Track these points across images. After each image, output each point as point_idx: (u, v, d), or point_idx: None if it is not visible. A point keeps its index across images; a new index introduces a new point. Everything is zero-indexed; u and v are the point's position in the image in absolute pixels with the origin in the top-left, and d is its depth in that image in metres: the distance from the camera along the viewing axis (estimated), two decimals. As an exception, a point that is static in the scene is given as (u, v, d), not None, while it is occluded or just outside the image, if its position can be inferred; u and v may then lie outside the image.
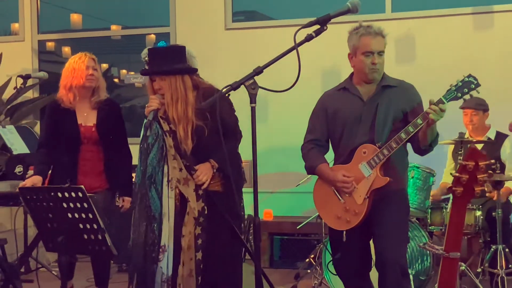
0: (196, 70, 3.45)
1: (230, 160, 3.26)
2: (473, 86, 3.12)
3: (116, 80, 8.46)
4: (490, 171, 1.92)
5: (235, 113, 3.47)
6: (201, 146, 3.29)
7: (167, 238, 3.29)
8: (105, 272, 4.36)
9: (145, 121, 3.27)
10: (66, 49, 7.79)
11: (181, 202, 3.33)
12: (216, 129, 3.16)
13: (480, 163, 1.92)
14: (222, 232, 3.30)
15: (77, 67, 4.14)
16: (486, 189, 1.94)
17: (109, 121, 4.21)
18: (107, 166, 4.19)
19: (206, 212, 3.29)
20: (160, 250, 3.28)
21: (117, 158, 4.21)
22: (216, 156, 3.31)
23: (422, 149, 3.27)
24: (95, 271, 4.32)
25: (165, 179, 3.29)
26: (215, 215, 3.29)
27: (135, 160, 5.43)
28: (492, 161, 1.89)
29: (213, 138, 3.21)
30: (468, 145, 4.31)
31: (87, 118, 4.19)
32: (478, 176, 1.94)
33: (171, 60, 3.30)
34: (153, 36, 7.41)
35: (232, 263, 3.36)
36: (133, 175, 5.67)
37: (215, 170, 3.35)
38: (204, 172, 3.28)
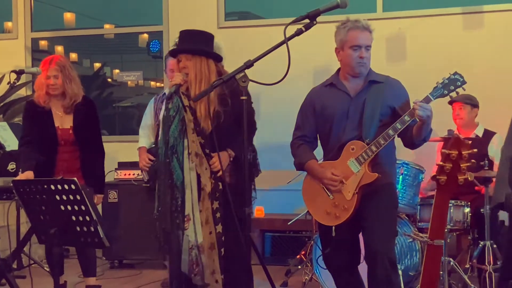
0: (221, 58, 3.54)
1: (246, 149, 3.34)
2: (459, 84, 3.17)
3: (109, 79, 8.48)
4: (473, 160, 1.97)
5: (252, 105, 3.55)
6: (218, 131, 3.34)
7: (191, 208, 3.36)
8: (91, 261, 4.45)
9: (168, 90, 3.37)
10: (59, 48, 7.82)
11: (198, 178, 3.40)
12: (234, 117, 3.32)
13: (463, 152, 1.96)
14: (231, 222, 3.28)
15: (39, 75, 4.27)
16: (469, 178, 1.98)
17: (86, 122, 4.34)
18: (83, 164, 4.32)
19: (220, 187, 3.36)
20: (185, 219, 3.35)
21: (92, 156, 4.35)
22: (233, 145, 3.41)
23: (416, 144, 3.31)
24: (81, 261, 4.38)
25: (185, 152, 3.37)
26: (227, 205, 3.32)
27: (132, 157, 5.50)
28: (475, 150, 1.93)
29: (231, 126, 3.34)
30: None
31: (63, 120, 4.31)
32: (461, 165, 1.99)
33: (198, 42, 3.43)
34: (146, 35, 7.44)
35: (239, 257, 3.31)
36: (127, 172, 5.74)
37: (231, 159, 3.43)
38: (222, 159, 3.32)
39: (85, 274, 4.46)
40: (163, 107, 3.48)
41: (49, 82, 4.23)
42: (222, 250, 3.33)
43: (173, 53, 3.57)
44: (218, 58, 3.50)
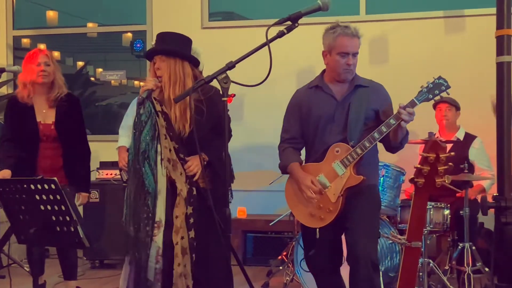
0: (197, 61, 3.46)
1: (221, 156, 3.33)
2: (444, 88, 3.20)
3: (92, 78, 8.44)
4: (451, 163, 1.99)
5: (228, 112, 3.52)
6: (193, 137, 3.28)
7: (163, 214, 3.32)
8: (73, 264, 4.40)
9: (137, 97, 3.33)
10: (42, 46, 7.75)
11: (172, 183, 3.36)
12: (210, 124, 3.29)
13: (441, 155, 1.99)
14: (209, 228, 3.26)
15: (29, 63, 4.18)
16: (446, 180, 2.00)
17: (68, 118, 4.25)
18: (66, 162, 4.24)
19: (194, 193, 3.32)
20: (155, 225, 3.30)
21: (76, 154, 4.27)
22: (207, 151, 3.34)
23: (394, 147, 3.34)
24: (63, 264, 4.34)
25: (158, 157, 3.32)
26: (203, 211, 3.29)
27: (113, 157, 5.47)
28: (452, 153, 1.95)
29: (206, 132, 3.28)
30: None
31: (46, 115, 4.23)
32: (439, 168, 2.01)
33: (174, 44, 3.36)
34: (129, 34, 7.42)
35: (220, 259, 3.28)
36: (109, 171, 5.70)
37: (205, 163, 3.37)
38: (195, 164, 3.31)
39: (66, 277, 4.42)
40: (135, 111, 3.38)
41: (41, 68, 4.15)
42: (194, 255, 3.29)
43: (148, 55, 3.48)
44: (194, 62, 3.42)
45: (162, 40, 3.40)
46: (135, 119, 3.34)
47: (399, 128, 3.18)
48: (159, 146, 3.31)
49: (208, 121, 3.32)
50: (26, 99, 4.19)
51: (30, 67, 4.18)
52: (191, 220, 3.30)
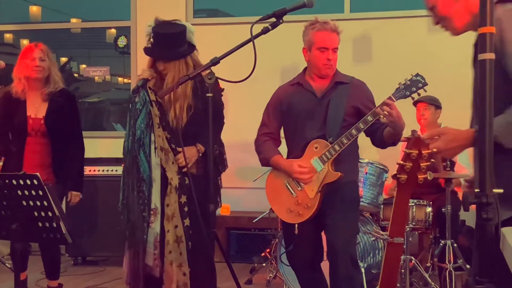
0: (194, 46, 3.56)
1: (216, 143, 3.49)
2: (421, 85, 3.21)
3: (75, 74, 8.40)
4: (433, 160, 2.01)
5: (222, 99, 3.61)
6: (189, 125, 3.41)
7: (158, 201, 3.38)
8: (55, 263, 4.36)
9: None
10: (25, 42, 7.70)
11: (164, 172, 3.41)
12: (204, 110, 3.30)
13: (423, 152, 2.00)
14: (195, 218, 3.31)
15: (24, 58, 4.16)
16: (428, 177, 2.02)
17: (60, 113, 4.20)
18: (54, 159, 4.17)
19: (186, 182, 3.37)
20: (152, 212, 3.36)
21: (67, 151, 4.21)
22: (202, 140, 3.43)
23: (385, 144, 3.35)
24: (45, 262, 4.31)
25: (152, 146, 3.37)
26: (192, 200, 3.34)
27: (96, 153, 5.45)
28: (435, 150, 1.97)
29: (201, 120, 3.32)
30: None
31: (38, 110, 4.18)
32: (421, 164, 2.02)
33: (174, 44, 3.46)
34: (113, 30, 7.39)
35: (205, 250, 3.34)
36: (103, 168, 5.68)
37: (200, 155, 3.45)
38: (187, 155, 3.37)
39: (48, 276, 4.38)
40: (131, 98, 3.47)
41: (35, 63, 4.13)
42: (190, 243, 3.35)
43: (148, 54, 3.57)
44: (192, 50, 3.53)
45: (163, 42, 3.47)
46: (130, 106, 3.41)
47: (394, 129, 3.17)
48: (152, 135, 3.37)
49: (202, 103, 3.38)
50: (20, 94, 4.15)
51: (24, 62, 4.16)
52: (185, 209, 3.36)
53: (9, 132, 4.17)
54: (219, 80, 3.18)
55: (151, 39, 3.54)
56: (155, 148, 3.37)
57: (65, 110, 4.22)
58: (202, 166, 3.46)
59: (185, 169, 3.36)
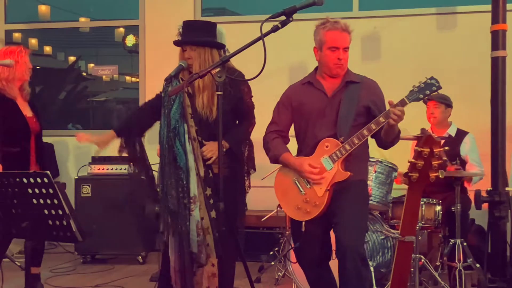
0: (224, 46, 3.64)
1: (241, 142, 3.55)
2: (435, 88, 3.19)
3: (84, 73, 8.41)
4: (445, 158, 2.00)
5: (252, 99, 3.64)
6: (215, 121, 3.43)
7: (196, 190, 3.42)
8: (39, 251, 4.42)
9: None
10: (33, 41, 7.74)
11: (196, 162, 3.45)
12: (232, 108, 3.41)
13: (435, 150, 1.99)
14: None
15: (21, 61, 4.24)
16: (440, 175, 2.01)
17: (36, 111, 4.42)
18: (38, 156, 4.35)
19: (210, 175, 3.43)
20: (191, 200, 3.41)
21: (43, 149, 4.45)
22: (227, 136, 3.43)
23: (386, 145, 3.35)
24: (28, 250, 4.30)
25: (186, 136, 3.43)
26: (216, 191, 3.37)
27: (104, 152, 5.45)
28: (447, 148, 1.96)
29: (227, 116, 3.37)
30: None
31: (24, 109, 4.31)
32: (432, 163, 2.02)
33: (202, 33, 3.51)
34: (122, 29, 7.40)
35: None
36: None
37: (224, 150, 3.42)
38: (210, 149, 3.43)
39: (31, 263, 4.40)
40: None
41: (30, 66, 4.29)
42: (216, 234, 3.37)
43: (178, 44, 3.61)
44: (220, 47, 3.59)
45: (191, 29, 3.53)
46: (163, 95, 3.48)
47: (390, 128, 3.18)
48: (185, 125, 3.43)
49: (228, 103, 3.39)
50: (11, 95, 4.24)
51: (21, 64, 4.25)
52: (211, 201, 3.40)
53: (8, 133, 4.21)
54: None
55: (181, 30, 3.63)
56: (189, 138, 3.41)
57: (37, 109, 4.45)
58: (226, 166, 3.41)
59: (209, 162, 3.42)
